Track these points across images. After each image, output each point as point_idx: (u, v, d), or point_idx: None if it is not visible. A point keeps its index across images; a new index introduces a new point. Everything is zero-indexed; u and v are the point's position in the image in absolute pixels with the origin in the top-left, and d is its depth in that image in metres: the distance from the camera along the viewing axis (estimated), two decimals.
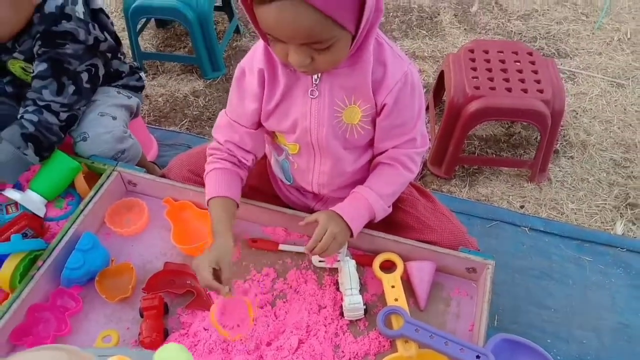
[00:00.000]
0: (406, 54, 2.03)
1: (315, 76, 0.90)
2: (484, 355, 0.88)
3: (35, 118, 1.11)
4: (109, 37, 1.21)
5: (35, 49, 1.11)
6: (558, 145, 1.68)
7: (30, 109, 1.12)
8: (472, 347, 0.90)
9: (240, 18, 2.12)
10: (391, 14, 2.20)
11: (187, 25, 1.75)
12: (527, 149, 1.68)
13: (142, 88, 1.40)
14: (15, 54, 1.16)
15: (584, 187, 1.58)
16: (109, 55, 1.25)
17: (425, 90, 1.85)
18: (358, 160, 1.03)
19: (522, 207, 1.54)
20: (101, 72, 1.23)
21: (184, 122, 1.76)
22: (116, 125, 1.22)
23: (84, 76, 1.17)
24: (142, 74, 1.41)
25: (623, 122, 1.76)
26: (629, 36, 2.08)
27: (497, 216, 1.50)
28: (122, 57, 1.32)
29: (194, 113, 1.79)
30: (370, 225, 1.04)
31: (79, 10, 1.12)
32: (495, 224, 1.49)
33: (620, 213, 1.51)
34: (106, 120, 1.21)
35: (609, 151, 1.67)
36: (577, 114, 1.79)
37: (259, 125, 1.00)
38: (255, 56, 0.93)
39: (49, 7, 1.09)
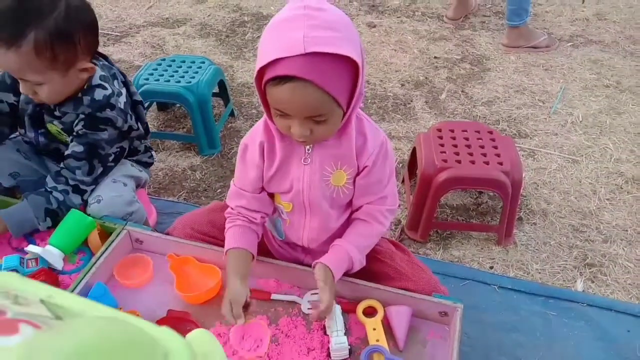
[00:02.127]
0: None
1: (307, 147, 1.08)
2: None
3: (61, 197, 1.28)
4: (140, 127, 1.40)
5: (77, 127, 1.28)
6: (522, 213, 1.86)
7: (59, 187, 1.29)
8: None
9: (234, 103, 2.35)
10: (369, 100, 2.46)
11: (188, 108, 1.96)
12: (493, 217, 1.85)
13: (151, 164, 1.58)
14: (56, 122, 1.33)
15: (546, 249, 1.74)
16: (134, 139, 1.44)
17: (400, 165, 2.05)
18: (341, 216, 1.19)
19: (491, 267, 1.69)
20: (126, 151, 1.41)
21: (181, 193, 1.92)
22: (126, 190, 1.38)
23: (111, 157, 1.34)
24: (154, 153, 1.59)
25: (579, 192, 1.96)
26: (580, 119, 2.34)
27: (469, 275, 1.64)
28: (143, 141, 1.50)
29: (191, 185, 1.96)
30: (350, 275, 1.19)
31: (122, 101, 1.32)
32: (468, 282, 1.62)
33: (580, 272, 1.67)
34: (118, 186, 1.37)
35: (568, 218, 1.85)
36: (537, 185, 1.99)
37: (262, 189, 1.17)
38: (256, 132, 1.12)
39: (98, 95, 1.28)
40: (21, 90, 1.25)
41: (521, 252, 1.73)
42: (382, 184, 1.14)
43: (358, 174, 1.11)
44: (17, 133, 1.46)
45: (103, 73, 1.31)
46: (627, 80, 2.56)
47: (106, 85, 1.30)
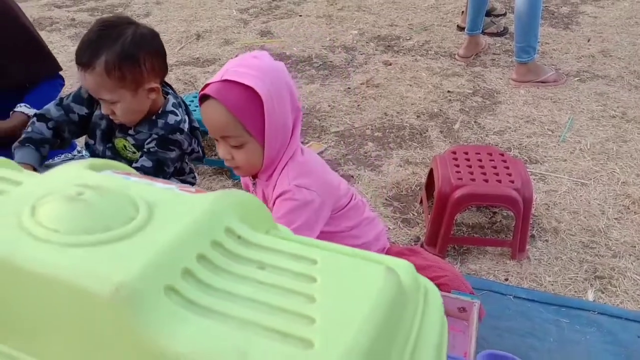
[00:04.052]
0: (400, 161, 2.41)
1: (253, 181, 1.27)
2: None
3: None
4: (200, 150, 1.58)
5: (149, 145, 1.45)
6: (534, 231, 1.97)
7: None
8: None
9: None
10: (387, 130, 2.62)
11: None
12: (507, 234, 1.97)
13: (194, 184, 1.74)
14: (129, 138, 1.51)
15: (558, 263, 1.85)
16: (189, 165, 1.62)
17: (418, 188, 2.19)
18: None
19: (506, 279, 1.79)
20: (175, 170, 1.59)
21: None
22: None
23: (169, 175, 1.52)
24: (196, 174, 1.76)
25: (588, 212, 2.07)
26: (588, 147, 2.47)
27: (485, 286, 1.74)
28: (190, 162, 1.68)
29: None
30: None
31: (186, 126, 1.51)
32: (485, 292, 1.73)
33: (590, 284, 1.76)
34: None
35: (578, 235, 1.96)
36: (548, 206, 2.11)
37: None
38: None
39: (171, 120, 1.47)
40: (103, 111, 1.44)
41: (534, 265, 1.84)
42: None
43: None
44: (81, 146, 1.66)
45: (175, 101, 1.51)
46: (632, 111, 2.70)
47: (177, 112, 1.49)
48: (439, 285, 1.28)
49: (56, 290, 0.32)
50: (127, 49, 1.36)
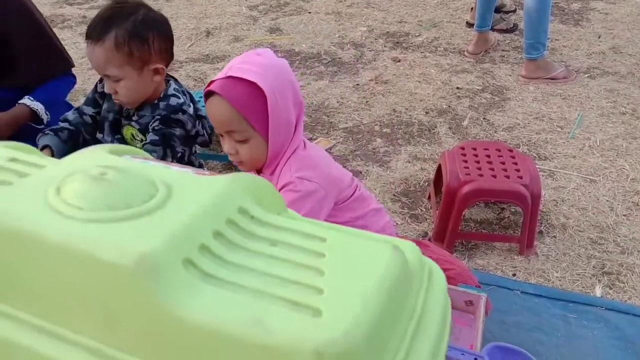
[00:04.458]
0: (409, 157, 2.41)
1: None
2: (481, 357, 1.11)
3: None
4: (206, 134, 1.60)
5: (153, 125, 1.49)
6: (542, 227, 1.98)
7: None
8: (471, 352, 1.13)
9: None
10: (396, 126, 2.63)
11: None
12: (515, 230, 1.97)
13: None
14: (133, 123, 1.54)
15: (566, 259, 1.85)
16: (195, 149, 1.64)
17: (427, 184, 2.20)
18: None
19: (514, 275, 1.80)
20: (186, 160, 1.61)
21: None
22: None
23: (179, 154, 1.54)
24: (205, 169, 1.78)
25: (597, 209, 2.07)
26: (598, 143, 2.46)
27: (492, 282, 1.75)
28: (198, 154, 1.71)
29: None
30: None
31: (190, 110, 1.54)
32: (492, 287, 1.73)
33: (598, 279, 1.77)
34: None
35: (586, 232, 1.96)
36: (557, 202, 2.11)
37: None
38: None
39: (173, 102, 1.52)
40: (106, 89, 1.49)
41: (542, 261, 1.84)
42: None
43: None
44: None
45: (176, 87, 1.56)
46: None
47: (179, 95, 1.54)
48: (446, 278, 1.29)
49: (81, 262, 0.34)
50: (137, 27, 1.42)
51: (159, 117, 1.50)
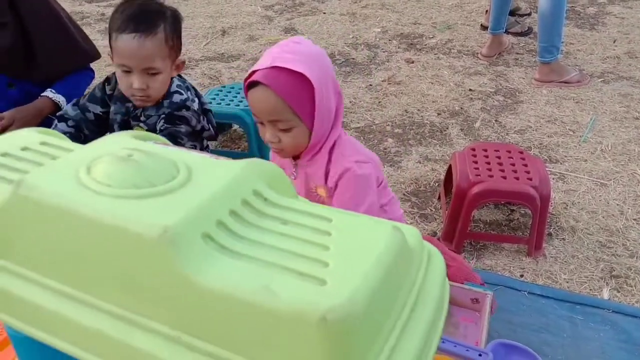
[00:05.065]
0: (420, 157, 2.42)
1: (294, 162, 1.29)
2: (485, 354, 1.13)
3: None
4: (211, 129, 1.64)
5: (159, 125, 1.53)
6: (551, 229, 1.99)
7: None
8: (475, 348, 1.15)
9: None
10: (407, 127, 2.65)
11: (245, 128, 2.20)
12: (524, 232, 1.99)
13: None
14: (142, 124, 1.58)
15: (574, 262, 1.86)
16: (206, 143, 1.68)
17: (437, 184, 2.22)
18: None
19: (521, 276, 1.81)
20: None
21: None
22: None
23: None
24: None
25: (607, 212, 2.07)
26: (610, 147, 2.46)
27: (500, 282, 1.76)
28: (210, 147, 1.75)
29: None
30: None
31: (195, 105, 1.57)
32: (499, 288, 1.75)
33: (606, 282, 1.77)
34: None
35: (595, 235, 1.97)
36: (567, 205, 2.12)
37: None
38: None
39: (176, 99, 1.55)
40: (135, 85, 1.47)
41: (550, 263, 1.86)
42: (349, 208, 1.29)
43: (332, 194, 1.27)
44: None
45: (179, 83, 1.59)
46: None
47: (182, 92, 1.57)
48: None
49: (109, 234, 0.37)
50: (174, 23, 1.48)
51: (163, 115, 1.53)
